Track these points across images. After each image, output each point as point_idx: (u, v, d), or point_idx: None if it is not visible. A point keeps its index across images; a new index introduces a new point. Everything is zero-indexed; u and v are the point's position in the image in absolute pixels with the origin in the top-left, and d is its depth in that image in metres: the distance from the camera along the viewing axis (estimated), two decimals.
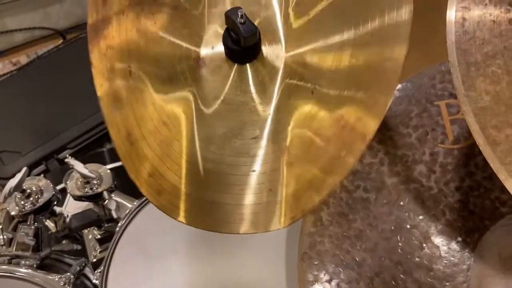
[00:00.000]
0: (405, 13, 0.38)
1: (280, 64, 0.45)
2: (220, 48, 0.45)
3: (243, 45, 0.43)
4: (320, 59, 0.44)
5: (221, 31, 0.45)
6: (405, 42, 0.38)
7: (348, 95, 0.41)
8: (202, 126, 0.43)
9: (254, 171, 0.42)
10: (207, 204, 0.41)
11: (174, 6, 0.44)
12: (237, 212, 0.41)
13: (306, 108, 0.43)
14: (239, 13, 0.41)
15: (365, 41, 0.41)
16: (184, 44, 0.44)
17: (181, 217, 0.41)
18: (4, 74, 1.28)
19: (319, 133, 0.42)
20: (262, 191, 0.42)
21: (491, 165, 0.35)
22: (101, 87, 0.37)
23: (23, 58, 1.33)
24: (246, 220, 0.41)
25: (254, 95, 0.45)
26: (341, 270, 0.49)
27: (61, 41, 1.33)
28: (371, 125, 0.38)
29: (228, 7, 0.44)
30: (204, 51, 0.45)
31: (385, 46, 0.39)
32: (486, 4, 0.38)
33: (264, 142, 0.44)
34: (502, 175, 0.35)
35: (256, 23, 0.44)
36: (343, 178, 0.40)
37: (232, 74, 0.45)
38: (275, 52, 0.46)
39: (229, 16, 0.42)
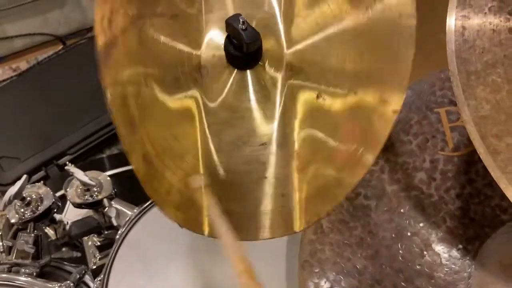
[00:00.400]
0: None
1: (282, 66, 0.45)
2: (221, 55, 0.45)
3: (246, 51, 0.43)
4: (323, 54, 0.44)
5: (221, 38, 0.45)
6: (413, 19, 0.37)
7: (358, 89, 0.41)
8: (211, 136, 0.43)
9: (266, 177, 0.43)
10: (226, 215, 0.41)
11: (172, 15, 0.44)
12: (253, 219, 0.42)
13: (314, 108, 0.43)
14: (240, 20, 0.41)
15: (368, 27, 0.41)
16: (186, 54, 0.44)
17: (203, 230, 0.41)
18: (4, 80, 1.28)
19: (330, 132, 0.42)
20: (275, 197, 0.42)
21: (491, 174, 0.36)
22: (117, 112, 0.37)
23: (23, 64, 1.33)
24: (263, 227, 0.42)
25: (259, 101, 0.45)
26: (342, 278, 0.49)
27: (61, 47, 1.33)
28: (389, 114, 0.38)
29: (225, 12, 0.44)
30: (206, 59, 0.45)
31: (393, 25, 0.39)
32: (485, 13, 0.38)
33: (273, 147, 0.44)
34: (503, 184, 0.35)
35: (254, 24, 0.44)
36: (361, 177, 0.40)
37: (235, 81, 0.45)
38: (276, 52, 0.45)
39: (230, 23, 0.42)
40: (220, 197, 0.42)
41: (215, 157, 0.43)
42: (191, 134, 0.43)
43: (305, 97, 0.44)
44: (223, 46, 0.45)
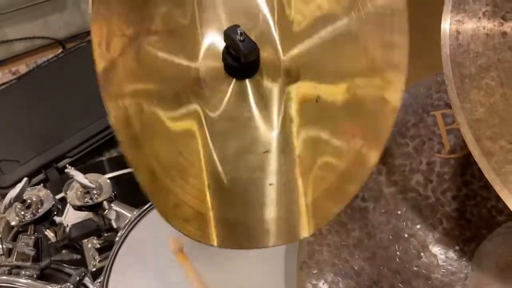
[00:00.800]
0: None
1: (280, 72, 0.46)
2: (219, 67, 0.46)
3: (244, 61, 0.43)
4: (318, 57, 0.45)
5: (218, 50, 0.46)
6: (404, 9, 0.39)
7: (356, 89, 0.43)
8: (214, 148, 0.44)
9: (270, 184, 0.43)
10: (233, 224, 0.42)
11: (168, 31, 0.44)
12: (261, 227, 0.42)
13: (314, 111, 0.44)
14: (238, 31, 0.42)
15: (360, 29, 0.42)
16: (184, 68, 0.45)
17: (212, 241, 0.41)
18: (3, 83, 1.29)
19: (332, 133, 0.43)
20: (281, 203, 0.43)
21: (486, 176, 0.36)
22: (120, 132, 0.38)
23: (22, 68, 1.34)
24: (272, 234, 0.42)
25: (259, 109, 0.46)
26: (339, 279, 0.49)
27: (60, 50, 1.34)
28: (389, 110, 0.40)
29: (220, 24, 0.45)
30: (204, 72, 0.46)
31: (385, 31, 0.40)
32: (479, 17, 0.38)
33: (275, 154, 0.44)
34: (497, 186, 0.36)
35: (249, 34, 0.45)
36: (367, 176, 0.41)
37: (234, 91, 0.46)
38: (273, 60, 0.46)
39: (228, 34, 0.43)
40: (228, 208, 0.43)
41: (219, 167, 0.44)
42: (195, 147, 0.44)
43: (304, 102, 0.45)
44: (221, 57, 0.45)
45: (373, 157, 0.40)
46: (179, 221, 0.40)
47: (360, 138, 0.41)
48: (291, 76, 0.46)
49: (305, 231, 0.42)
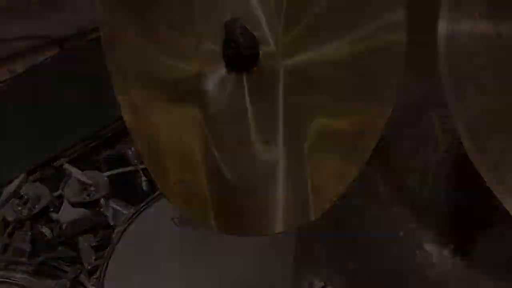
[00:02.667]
0: (399, 15, 0.41)
1: (279, 69, 0.47)
2: (218, 60, 0.46)
3: (244, 54, 0.44)
4: (318, 68, 0.45)
5: (217, 45, 0.46)
6: (403, 40, 0.41)
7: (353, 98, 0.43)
8: (213, 136, 0.45)
9: (273, 172, 0.44)
10: (235, 209, 0.43)
11: (168, 25, 0.45)
12: (266, 213, 0.43)
13: (316, 101, 0.45)
14: (238, 23, 0.43)
15: (361, 46, 0.43)
16: (183, 61, 0.46)
17: (212, 224, 0.42)
18: (0, 82, 1.29)
19: (334, 123, 0.44)
20: (286, 189, 0.44)
21: (481, 173, 0.37)
22: (119, 94, 0.39)
23: (19, 66, 1.33)
24: (277, 219, 0.43)
25: (259, 100, 0.46)
26: (334, 276, 0.50)
27: (58, 49, 1.34)
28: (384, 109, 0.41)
29: (218, 23, 0.45)
30: (203, 65, 0.46)
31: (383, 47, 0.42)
32: (475, 18, 0.39)
33: (279, 142, 0.45)
34: (491, 183, 0.36)
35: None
36: (365, 160, 0.42)
37: (234, 84, 0.47)
38: (271, 60, 0.47)
39: (229, 27, 0.43)
40: (230, 193, 0.43)
41: (219, 155, 0.44)
42: (194, 133, 0.44)
43: (306, 93, 0.46)
44: (221, 50, 0.46)
45: (379, 124, 0.41)
46: (178, 201, 0.41)
47: (362, 115, 0.43)
48: (291, 69, 0.46)
49: (311, 215, 0.42)
